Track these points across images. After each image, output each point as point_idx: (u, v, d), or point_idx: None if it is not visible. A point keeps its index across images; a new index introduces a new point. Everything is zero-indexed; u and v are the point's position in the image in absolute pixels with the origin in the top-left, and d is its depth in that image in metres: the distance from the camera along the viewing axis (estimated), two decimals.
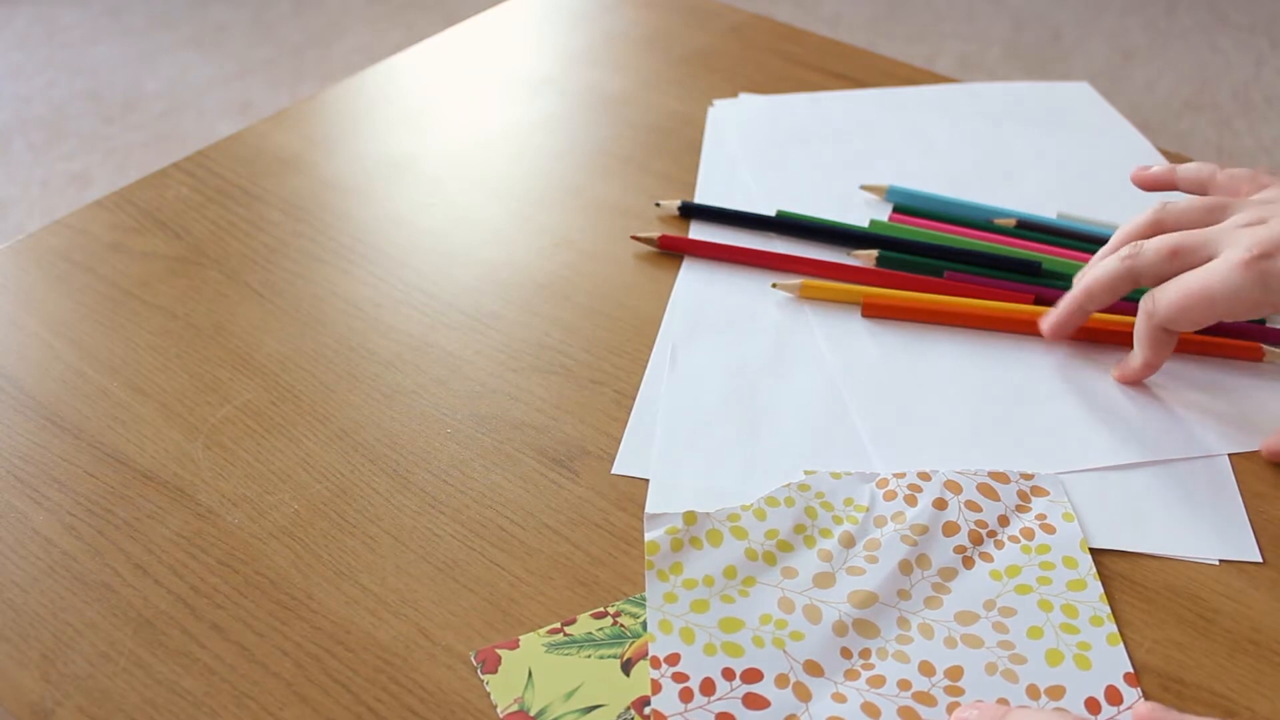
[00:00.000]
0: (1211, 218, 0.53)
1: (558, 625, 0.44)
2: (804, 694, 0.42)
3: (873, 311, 0.59)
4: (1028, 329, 0.58)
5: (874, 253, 0.62)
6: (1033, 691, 0.42)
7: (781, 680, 0.42)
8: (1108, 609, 0.45)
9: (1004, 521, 0.48)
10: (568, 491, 0.50)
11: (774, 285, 0.60)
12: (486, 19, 0.86)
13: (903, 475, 0.50)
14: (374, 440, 0.52)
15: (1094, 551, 0.47)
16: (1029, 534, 0.48)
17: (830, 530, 0.48)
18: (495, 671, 0.42)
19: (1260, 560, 0.48)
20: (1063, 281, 0.61)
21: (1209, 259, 0.51)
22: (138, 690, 0.42)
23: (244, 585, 0.46)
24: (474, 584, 0.46)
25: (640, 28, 0.85)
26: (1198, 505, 0.50)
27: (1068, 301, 0.55)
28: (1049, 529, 0.48)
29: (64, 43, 2.24)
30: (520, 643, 0.43)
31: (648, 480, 0.50)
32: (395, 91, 0.77)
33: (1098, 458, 0.51)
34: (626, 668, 0.43)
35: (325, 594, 0.46)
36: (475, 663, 0.43)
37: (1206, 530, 0.49)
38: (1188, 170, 0.59)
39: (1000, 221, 0.66)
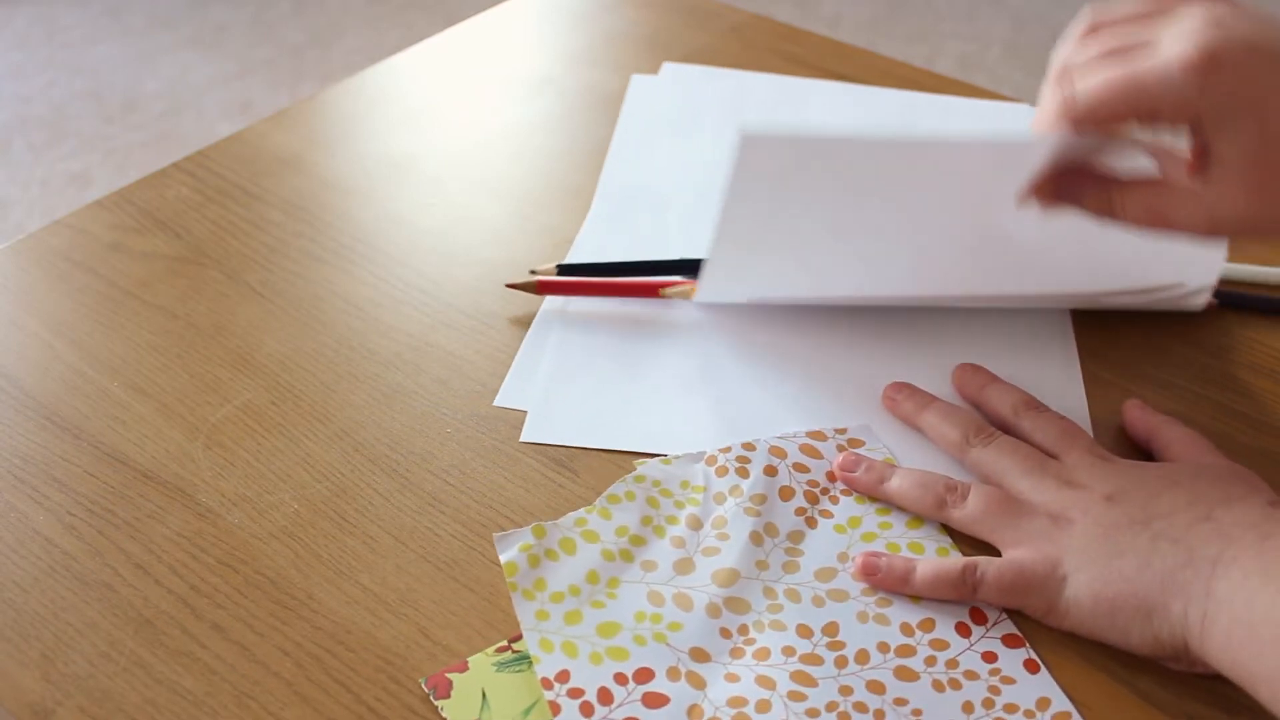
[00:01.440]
0: (1153, 22, 0.43)
1: (505, 644, 0.44)
2: (698, 682, 0.42)
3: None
4: None
5: None
6: (906, 629, 0.44)
7: (673, 673, 0.43)
8: (949, 539, 0.48)
9: (832, 477, 0.50)
10: (568, 491, 0.50)
11: (663, 292, 0.59)
12: (486, 19, 0.86)
13: (728, 450, 0.51)
14: (374, 440, 0.52)
15: None
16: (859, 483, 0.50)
17: (676, 516, 0.48)
18: (448, 696, 0.42)
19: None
20: None
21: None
22: (138, 690, 0.42)
23: (244, 585, 0.46)
24: (474, 584, 0.46)
25: (640, 28, 0.85)
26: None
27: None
28: None
29: (64, 43, 2.24)
30: (469, 664, 0.43)
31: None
32: (395, 91, 0.77)
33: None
34: None
35: (325, 594, 0.46)
36: (427, 689, 0.42)
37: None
38: None
39: None
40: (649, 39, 0.84)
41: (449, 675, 0.43)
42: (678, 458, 0.51)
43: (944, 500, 0.48)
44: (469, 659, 0.43)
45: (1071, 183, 0.47)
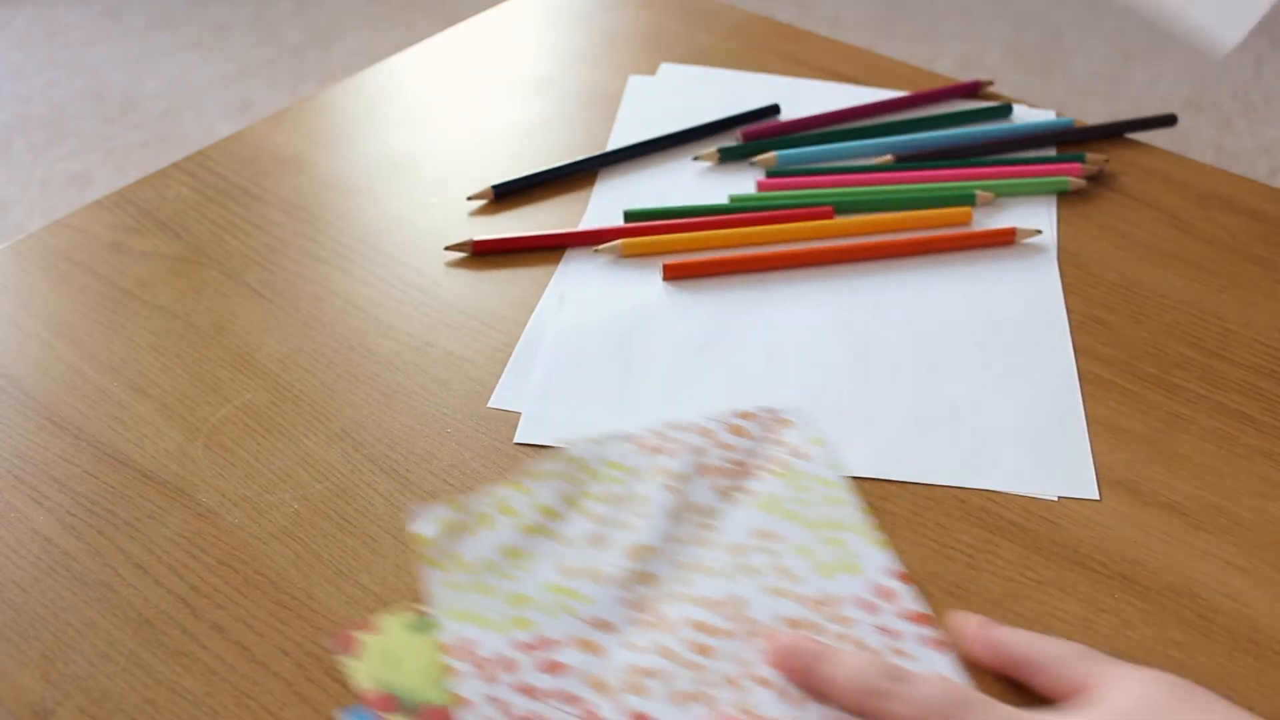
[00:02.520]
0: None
1: (415, 607, 0.44)
2: (600, 651, 0.43)
3: (673, 273, 0.61)
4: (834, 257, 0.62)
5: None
6: (810, 604, 0.45)
7: (576, 643, 0.44)
8: (867, 518, 0.48)
9: (757, 456, 0.51)
10: None
11: (596, 250, 0.62)
12: (486, 19, 0.86)
13: (656, 430, 0.52)
14: (374, 440, 0.52)
15: (943, 489, 0.50)
16: (783, 463, 0.50)
17: (597, 494, 0.49)
18: (354, 655, 0.42)
19: (1098, 498, 0.50)
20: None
21: None
22: (138, 690, 0.42)
23: (244, 585, 0.46)
24: None
25: (640, 28, 0.85)
26: (1041, 441, 0.52)
27: None
28: (802, 455, 0.51)
29: (64, 43, 2.24)
30: (378, 625, 0.43)
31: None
32: (395, 91, 0.77)
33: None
34: None
35: (326, 594, 0.46)
36: (331, 647, 0.42)
37: (1049, 466, 0.51)
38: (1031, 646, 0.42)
39: (878, 160, 0.69)
40: (649, 39, 0.84)
41: (356, 634, 0.43)
42: (606, 438, 0.51)
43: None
44: (379, 620, 0.43)
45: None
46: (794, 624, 0.44)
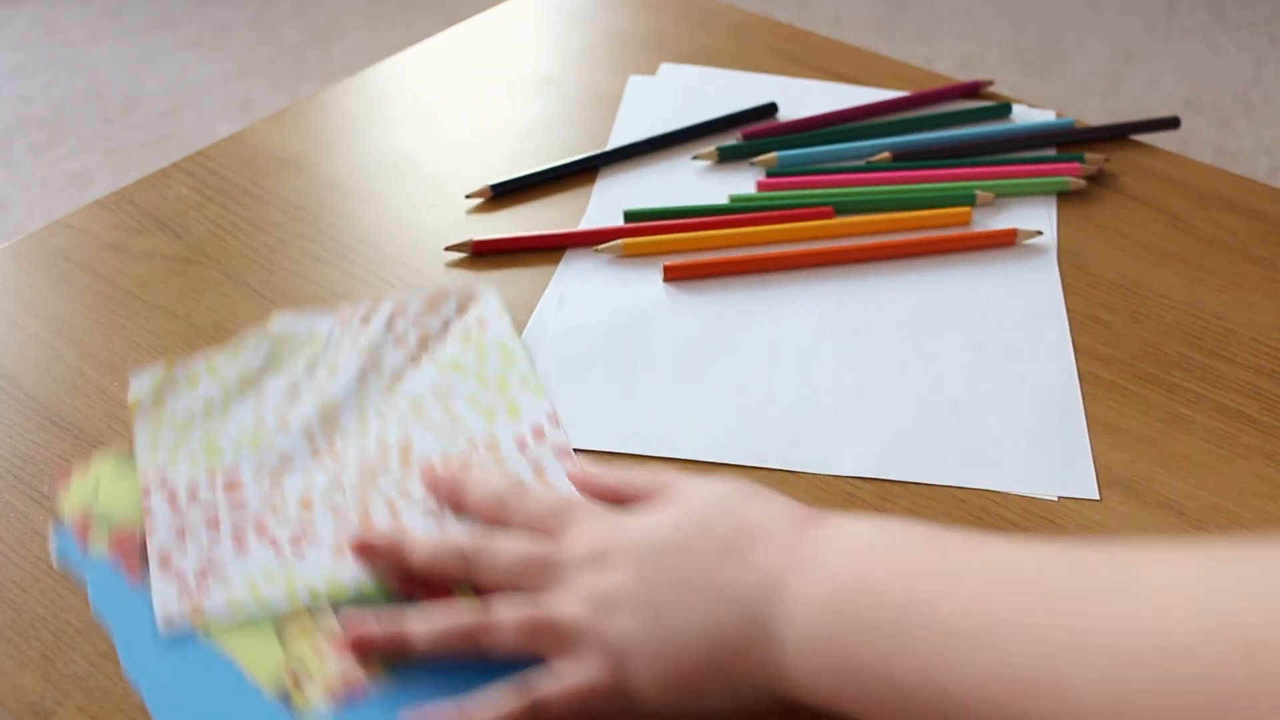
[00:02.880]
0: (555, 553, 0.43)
1: (121, 449, 0.51)
2: (276, 481, 0.49)
3: (674, 274, 0.61)
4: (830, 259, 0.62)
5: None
6: (472, 444, 0.51)
7: (258, 475, 0.49)
8: (536, 376, 0.54)
9: (446, 327, 0.57)
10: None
11: (597, 249, 0.63)
12: (486, 19, 0.86)
13: (356, 305, 0.58)
14: None
15: (943, 489, 0.49)
16: (467, 332, 0.57)
17: (297, 359, 0.55)
18: (65, 486, 0.49)
19: (1098, 498, 0.50)
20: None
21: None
22: (138, 690, 0.42)
23: None
24: None
25: (640, 28, 0.85)
26: (1041, 441, 0.53)
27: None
28: (483, 325, 0.57)
29: (64, 43, 2.24)
30: (90, 465, 0.50)
31: None
32: (395, 91, 0.77)
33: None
34: None
35: None
36: (49, 486, 0.49)
37: (1048, 467, 0.51)
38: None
39: (876, 158, 0.69)
40: (649, 39, 0.84)
41: (72, 470, 0.50)
42: (311, 315, 0.57)
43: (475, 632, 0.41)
44: (91, 461, 0.50)
45: None
46: (454, 460, 0.50)
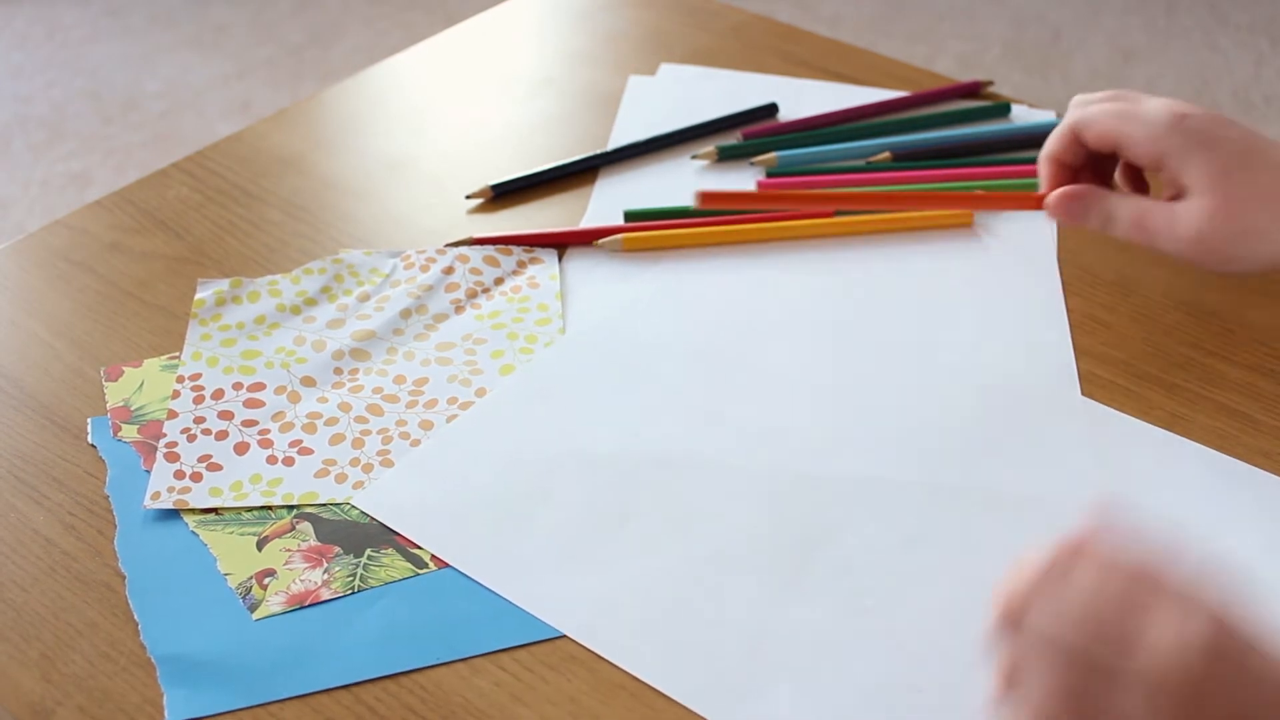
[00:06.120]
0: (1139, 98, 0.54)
1: (177, 354, 0.55)
2: (295, 398, 0.53)
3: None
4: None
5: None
6: (480, 392, 0.53)
7: (279, 389, 0.53)
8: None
9: (499, 282, 0.60)
10: None
11: (597, 243, 0.63)
12: (486, 19, 0.86)
13: (424, 251, 0.61)
14: None
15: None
16: (517, 289, 0.59)
17: (351, 290, 0.59)
18: (116, 380, 0.54)
19: None
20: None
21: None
22: (138, 690, 0.42)
23: None
24: None
25: (640, 28, 0.85)
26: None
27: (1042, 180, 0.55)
28: (534, 285, 0.59)
29: (64, 43, 2.24)
30: (143, 364, 0.55)
31: None
32: (395, 91, 0.77)
33: None
34: None
35: None
36: (103, 375, 0.54)
37: None
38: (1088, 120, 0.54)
39: (876, 158, 0.69)
40: (649, 39, 0.83)
41: (125, 368, 0.55)
42: (379, 251, 0.60)
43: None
44: (145, 361, 0.55)
45: (1077, 201, 0.53)
46: (456, 403, 0.52)
